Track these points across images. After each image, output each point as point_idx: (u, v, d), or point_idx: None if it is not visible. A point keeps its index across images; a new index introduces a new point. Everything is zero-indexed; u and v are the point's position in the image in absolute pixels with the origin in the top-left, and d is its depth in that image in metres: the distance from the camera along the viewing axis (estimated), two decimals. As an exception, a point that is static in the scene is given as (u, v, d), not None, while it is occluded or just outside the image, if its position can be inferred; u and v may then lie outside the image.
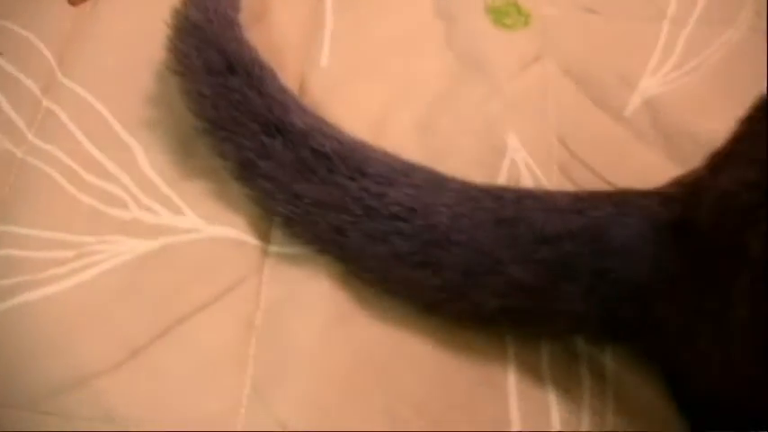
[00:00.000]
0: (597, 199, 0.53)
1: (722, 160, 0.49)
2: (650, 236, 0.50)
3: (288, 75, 0.61)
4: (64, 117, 0.62)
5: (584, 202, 0.53)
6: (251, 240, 0.56)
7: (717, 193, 0.48)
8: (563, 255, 0.51)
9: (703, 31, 0.66)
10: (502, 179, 0.58)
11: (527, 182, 0.59)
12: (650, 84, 0.63)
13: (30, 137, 0.61)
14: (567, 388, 0.52)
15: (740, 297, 0.45)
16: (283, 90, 0.58)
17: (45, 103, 0.63)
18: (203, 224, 0.57)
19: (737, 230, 0.46)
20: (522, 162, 0.59)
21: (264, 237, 0.56)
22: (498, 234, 0.52)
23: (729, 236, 0.46)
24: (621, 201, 0.52)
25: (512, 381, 0.52)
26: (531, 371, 0.52)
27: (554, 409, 0.52)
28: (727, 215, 0.47)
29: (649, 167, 0.58)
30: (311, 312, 0.54)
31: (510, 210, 0.52)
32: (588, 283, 0.51)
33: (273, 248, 0.56)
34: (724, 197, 0.47)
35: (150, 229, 0.57)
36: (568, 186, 0.59)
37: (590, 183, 0.58)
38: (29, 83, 0.63)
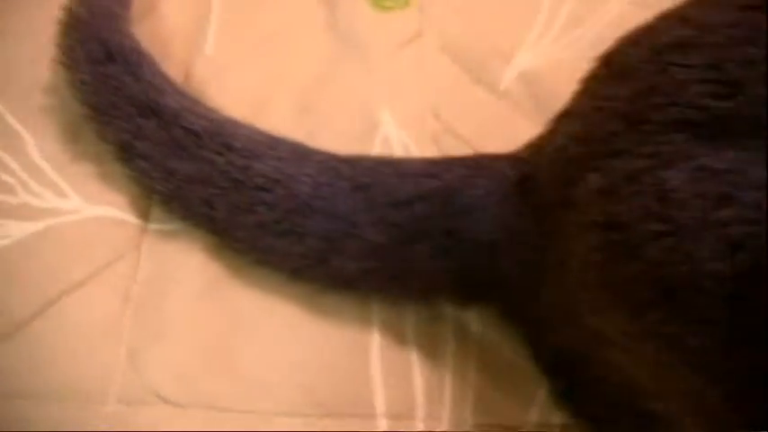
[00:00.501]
0: (450, 163, 0.55)
1: (560, 118, 0.51)
2: (498, 195, 0.52)
3: (174, 64, 0.64)
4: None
5: (437, 167, 0.55)
6: (131, 219, 0.58)
7: (551, 148, 0.50)
8: (415, 217, 0.53)
9: (585, 4, 0.68)
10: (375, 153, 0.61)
11: (399, 155, 0.61)
12: (527, 57, 0.65)
13: None
14: (431, 348, 0.54)
15: (572, 249, 0.47)
16: (160, 75, 0.60)
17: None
18: (85, 205, 0.59)
19: (567, 183, 0.47)
20: (396, 137, 0.61)
21: (144, 215, 0.59)
22: (355, 200, 0.54)
23: (561, 188, 0.48)
24: (473, 164, 0.54)
25: (375, 342, 0.54)
26: (395, 333, 0.55)
27: (416, 367, 0.54)
28: (558, 169, 0.49)
29: (524, 138, 0.59)
30: (185, 283, 0.56)
31: (367, 177, 0.55)
32: (439, 243, 0.53)
33: (152, 226, 0.58)
34: (556, 151, 0.49)
35: (36, 213, 0.59)
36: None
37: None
38: None
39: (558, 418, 0.53)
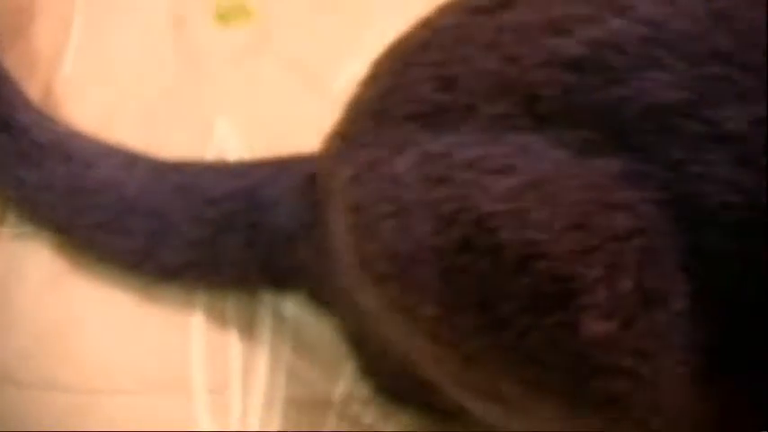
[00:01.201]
0: (259, 164, 0.62)
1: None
2: (295, 191, 0.59)
3: (37, 82, 0.70)
4: None
5: (246, 167, 0.62)
6: (-13, 223, 0.67)
7: (324, 146, 0.56)
8: (225, 213, 0.60)
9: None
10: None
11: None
12: (359, 65, 0.71)
13: None
14: (249, 329, 0.61)
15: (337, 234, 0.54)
16: (16, 93, 0.67)
17: None
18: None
19: (330, 176, 0.54)
20: (231, 145, 0.67)
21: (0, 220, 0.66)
22: (175, 200, 0.61)
23: (327, 181, 0.54)
24: (278, 163, 0.61)
25: (197, 324, 0.61)
26: (216, 316, 0.61)
27: (234, 346, 0.60)
28: (326, 163, 0.55)
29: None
30: (31, 278, 0.63)
31: (186, 179, 0.62)
32: (246, 235, 0.59)
33: (6, 230, 0.65)
34: (326, 148, 0.56)
35: None
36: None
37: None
38: None
39: (363, 390, 0.59)
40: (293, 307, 0.61)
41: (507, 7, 0.48)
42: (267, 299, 0.61)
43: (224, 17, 0.73)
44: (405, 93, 0.50)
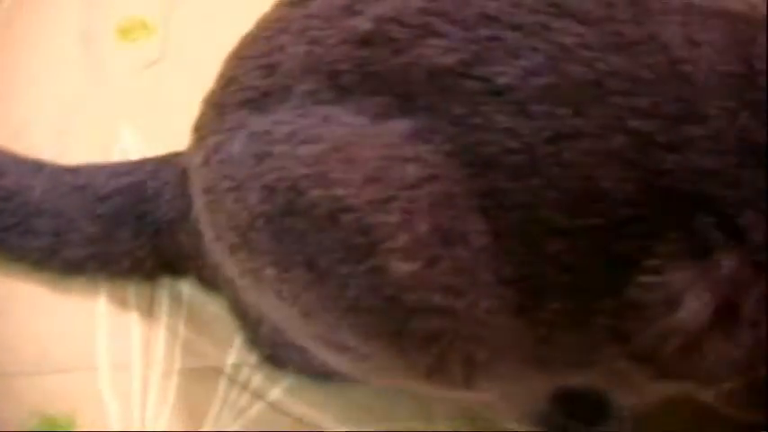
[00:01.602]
0: (145, 162, 0.68)
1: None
2: (173, 184, 0.65)
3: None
4: None
5: (134, 165, 0.68)
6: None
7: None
8: (116, 207, 0.66)
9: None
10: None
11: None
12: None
13: None
14: (149, 310, 0.67)
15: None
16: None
17: None
18: None
19: (188, 164, 0.60)
20: (134, 149, 0.74)
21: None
22: (74, 200, 0.67)
23: (190, 171, 0.60)
24: (161, 160, 0.67)
25: (101, 308, 0.67)
26: (119, 301, 0.68)
27: (135, 326, 0.67)
28: (186, 153, 0.61)
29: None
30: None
31: (83, 180, 0.68)
32: (135, 226, 0.66)
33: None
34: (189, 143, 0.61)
35: None
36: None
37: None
38: None
39: (251, 359, 0.65)
40: (188, 288, 0.68)
41: None
42: (165, 282, 0.68)
43: (126, 33, 0.81)
44: (238, 83, 0.56)
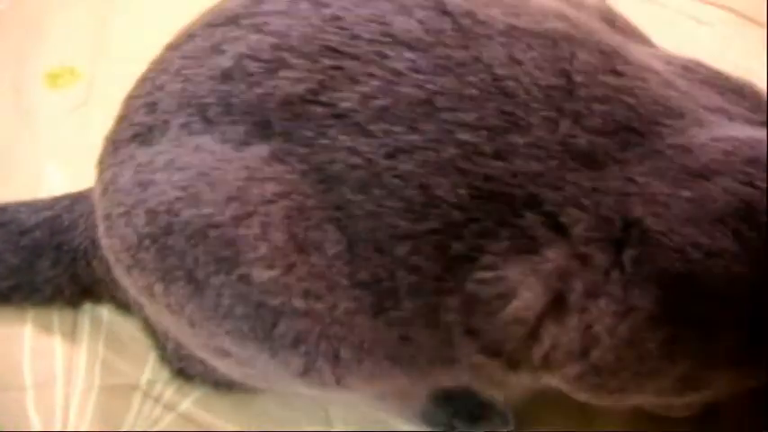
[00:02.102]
0: (63, 197, 0.74)
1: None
2: (86, 215, 0.70)
3: None
4: None
5: (52, 201, 0.74)
6: None
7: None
8: (36, 239, 0.72)
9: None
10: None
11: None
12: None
13: None
14: (71, 333, 0.73)
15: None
16: None
17: None
18: None
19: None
20: (59, 187, 0.79)
21: None
22: (0, 235, 0.73)
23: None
24: (77, 195, 0.73)
25: (28, 333, 0.73)
26: (44, 325, 0.73)
27: (58, 348, 0.72)
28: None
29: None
30: None
31: (8, 216, 0.74)
32: (54, 256, 0.71)
33: None
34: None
35: None
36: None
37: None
38: None
39: (164, 374, 0.70)
40: (108, 313, 0.73)
41: (188, 40, 0.60)
42: (87, 308, 0.74)
43: (54, 79, 0.87)
44: (128, 120, 0.62)
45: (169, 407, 0.69)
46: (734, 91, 0.60)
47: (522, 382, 0.61)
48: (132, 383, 0.71)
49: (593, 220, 0.53)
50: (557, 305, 0.54)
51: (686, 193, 0.53)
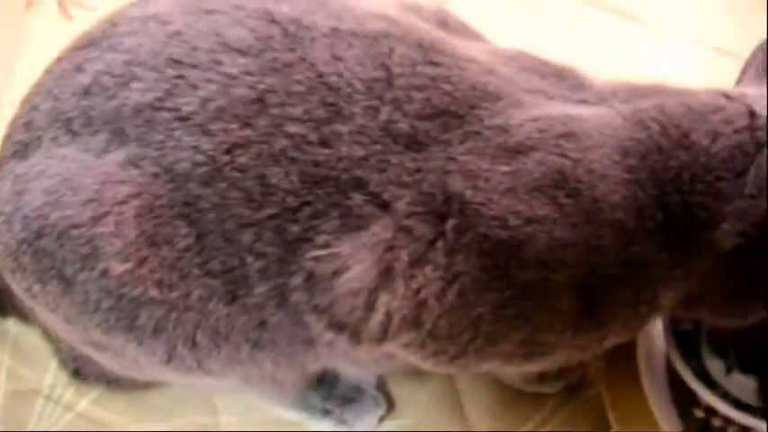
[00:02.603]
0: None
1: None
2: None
3: None
4: None
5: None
6: None
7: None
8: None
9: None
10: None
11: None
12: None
13: None
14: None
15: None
16: None
17: None
18: None
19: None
20: None
21: None
22: None
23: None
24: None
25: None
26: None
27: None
28: None
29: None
30: None
31: None
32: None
33: None
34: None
35: None
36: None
37: None
38: None
39: (64, 378, 0.76)
40: (14, 324, 0.79)
41: (58, 63, 0.66)
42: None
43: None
44: (10, 139, 0.67)
45: (68, 407, 0.75)
46: (554, 74, 0.66)
47: (374, 357, 0.66)
48: (35, 388, 0.76)
49: (415, 196, 0.59)
50: (387, 276, 0.59)
51: (504, 168, 0.59)
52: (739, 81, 0.71)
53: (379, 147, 0.59)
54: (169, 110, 0.60)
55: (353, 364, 0.68)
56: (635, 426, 0.71)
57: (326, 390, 0.73)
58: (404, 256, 0.59)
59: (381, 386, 0.75)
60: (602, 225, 0.60)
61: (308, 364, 0.68)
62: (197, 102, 0.59)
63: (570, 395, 0.76)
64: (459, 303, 0.59)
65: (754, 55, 0.72)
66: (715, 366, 0.74)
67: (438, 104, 0.60)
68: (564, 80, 0.66)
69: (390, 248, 0.59)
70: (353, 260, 0.59)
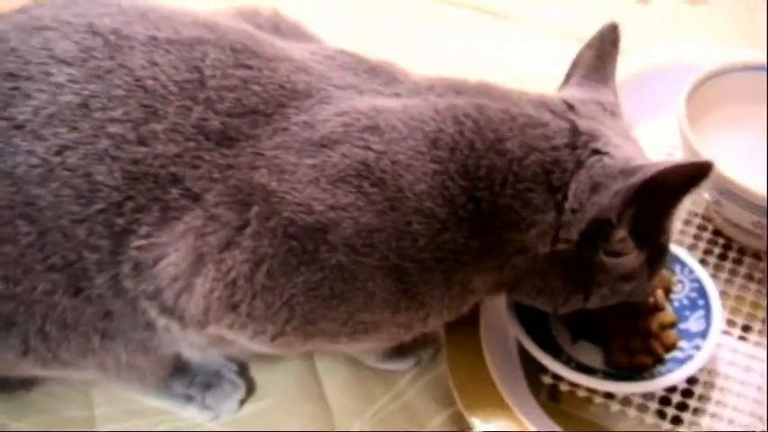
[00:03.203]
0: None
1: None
2: None
3: None
4: None
5: None
6: None
7: None
8: None
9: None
10: None
11: None
12: None
13: None
14: None
15: None
16: None
17: None
18: None
19: None
20: None
21: None
22: None
23: None
24: None
25: None
26: None
27: None
28: None
29: None
30: None
31: None
32: None
33: None
34: None
35: None
36: None
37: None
38: None
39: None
40: None
41: None
42: None
43: None
44: None
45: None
46: (369, 71, 0.71)
47: (210, 341, 0.70)
48: None
49: (223, 188, 0.64)
50: (199, 261, 0.64)
51: (310, 161, 0.64)
52: (567, 79, 0.75)
53: (192, 144, 0.64)
54: (7, 119, 0.65)
55: (194, 349, 0.72)
56: (478, 399, 0.73)
57: (189, 377, 0.78)
58: (213, 241, 0.64)
59: (244, 371, 0.80)
60: (410, 212, 0.64)
61: (158, 351, 0.72)
62: (30, 110, 0.65)
63: (422, 372, 0.80)
64: (271, 285, 0.64)
65: (581, 54, 0.76)
66: (561, 335, 0.79)
67: (247, 104, 0.66)
68: (378, 76, 0.71)
69: (201, 236, 0.64)
70: (171, 248, 0.64)
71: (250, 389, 0.79)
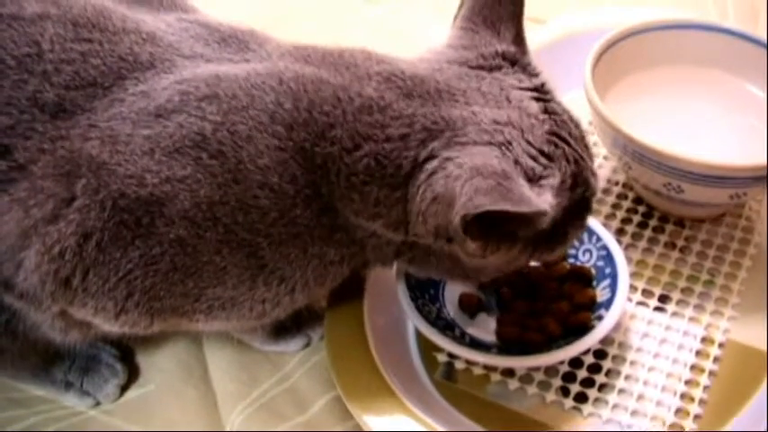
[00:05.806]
0: None
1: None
2: None
3: None
4: None
5: None
6: None
7: None
8: None
9: None
10: None
11: None
12: None
13: None
14: None
15: None
16: None
17: None
18: None
19: None
20: None
21: None
22: None
23: None
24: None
25: None
26: None
27: None
28: None
29: None
30: None
31: None
32: None
33: None
34: None
35: None
36: None
37: None
38: None
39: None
40: None
41: None
42: None
43: None
44: None
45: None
46: (221, 39, 0.67)
47: (68, 323, 0.68)
48: None
49: (50, 159, 0.61)
50: (26, 235, 0.61)
51: (145, 132, 0.62)
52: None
53: (26, 116, 0.62)
54: None
55: (56, 331, 0.69)
56: (356, 380, 0.69)
57: (67, 363, 0.75)
58: (38, 214, 0.61)
59: (128, 356, 0.77)
60: (254, 186, 0.61)
61: (27, 335, 0.69)
62: None
63: (310, 353, 0.76)
64: (104, 258, 0.61)
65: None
66: (458, 309, 0.75)
67: (85, 76, 0.63)
68: (230, 45, 0.68)
69: (26, 208, 0.61)
70: (3, 219, 0.62)
71: (133, 374, 0.76)
